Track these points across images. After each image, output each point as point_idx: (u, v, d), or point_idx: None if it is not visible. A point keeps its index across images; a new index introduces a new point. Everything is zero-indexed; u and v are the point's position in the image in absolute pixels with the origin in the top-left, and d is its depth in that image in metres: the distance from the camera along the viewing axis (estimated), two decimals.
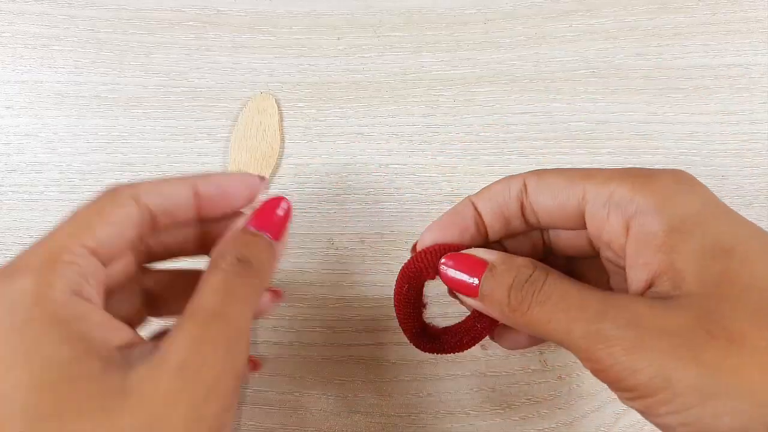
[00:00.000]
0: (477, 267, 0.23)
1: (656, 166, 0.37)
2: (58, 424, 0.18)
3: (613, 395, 0.35)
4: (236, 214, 0.26)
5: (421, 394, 0.34)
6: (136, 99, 0.37)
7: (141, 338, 0.22)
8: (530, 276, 0.22)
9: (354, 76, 0.38)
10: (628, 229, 0.21)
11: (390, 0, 0.38)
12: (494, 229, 0.25)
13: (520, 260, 0.23)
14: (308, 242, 0.36)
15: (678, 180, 0.21)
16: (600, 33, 0.38)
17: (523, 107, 0.37)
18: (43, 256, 0.21)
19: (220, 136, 0.37)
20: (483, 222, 0.25)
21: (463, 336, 0.26)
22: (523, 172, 0.24)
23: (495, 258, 0.23)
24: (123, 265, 0.25)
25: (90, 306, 0.20)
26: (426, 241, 0.25)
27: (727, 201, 0.37)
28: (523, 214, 0.25)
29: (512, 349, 0.29)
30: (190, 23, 0.38)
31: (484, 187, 0.25)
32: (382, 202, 0.36)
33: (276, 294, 0.28)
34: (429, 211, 0.36)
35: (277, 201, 0.25)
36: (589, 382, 0.35)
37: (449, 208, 0.26)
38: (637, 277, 0.21)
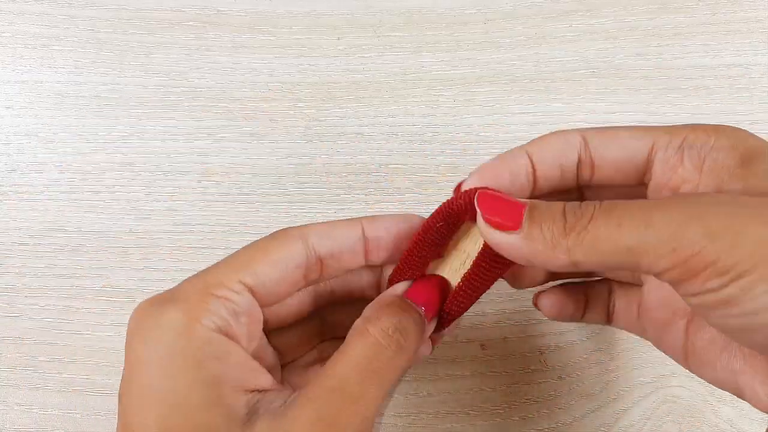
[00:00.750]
0: (516, 206, 0.20)
1: None
2: None
3: (614, 395, 0.35)
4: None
5: (421, 394, 0.34)
6: (136, 99, 0.37)
7: (277, 385, 0.21)
8: (581, 204, 0.20)
9: (354, 76, 0.38)
10: (702, 168, 0.21)
11: (390, 0, 0.38)
12: (546, 180, 0.24)
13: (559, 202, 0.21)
14: None
15: (742, 131, 0.22)
16: (600, 33, 0.38)
17: (523, 107, 0.37)
18: (198, 288, 0.21)
19: (220, 136, 0.37)
20: (534, 172, 0.23)
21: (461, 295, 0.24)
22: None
23: (534, 201, 0.21)
24: (294, 306, 0.24)
25: (232, 346, 0.20)
26: (472, 182, 0.23)
27: None
28: (577, 167, 0.23)
29: (526, 287, 0.27)
30: (190, 23, 0.38)
31: (537, 138, 0.24)
32: (382, 202, 0.36)
33: (429, 344, 0.26)
34: (429, 212, 0.36)
35: (439, 279, 0.24)
36: (590, 382, 0.35)
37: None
38: (707, 183, 0.21)
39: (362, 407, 0.20)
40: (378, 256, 0.24)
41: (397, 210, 0.36)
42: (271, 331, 0.25)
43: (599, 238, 0.19)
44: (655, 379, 0.35)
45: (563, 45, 0.38)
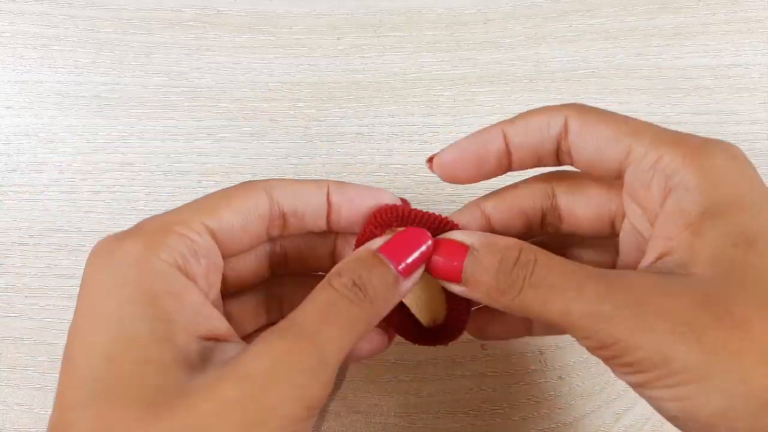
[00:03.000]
0: (458, 251, 0.22)
1: None
2: (110, 407, 0.17)
3: (614, 395, 0.35)
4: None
5: (421, 394, 0.34)
6: (136, 99, 0.37)
7: (233, 335, 0.21)
8: (518, 258, 0.21)
9: (354, 76, 0.38)
10: (665, 199, 0.21)
11: (390, 0, 0.38)
12: (522, 163, 0.24)
13: (504, 241, 0.22)
14: None
15: (730, 157, 0.20)
16: (600, 33, 0.38)
17: (523, 107, 0.37)
18: (159, 224, 0.20)
19: (220, 136, 0.37)
20: (509, 154, 0.23)
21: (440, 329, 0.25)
22: (560, 104, 0.23)
23: (476, 240, 0.22)
24: (252, 263, 0.24)
25: (188, 284, 0.20)
26: (445, 159, 0.24)
27: None
28: (557, 153, 0.23)
29: (505, 338, 0.28)
30: (190, 23, 0.38)
31: (520, 115, 0.23)
32: None
33: (385, 336, 0.25)
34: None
35: (420, 235, 0.23)
36: (590, 382, 0.35)
37: (454, 208, 0.25)
38: (654, 248, 0.20)
39: (318, 347, 0.19)
40: (338, 223, 0.24)
41: None
42: (225, 297, 0.24)
43: (529, 309, 0.20)
44: None
45: (563, 45, 0.38)
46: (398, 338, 0.35)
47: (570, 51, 0.38)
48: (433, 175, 0.37)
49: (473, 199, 0.25)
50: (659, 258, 0.20)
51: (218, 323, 0.20)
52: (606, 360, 0.19)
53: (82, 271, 0.20)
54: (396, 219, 0.23)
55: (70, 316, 0.35)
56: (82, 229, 0.36)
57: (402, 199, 0.24)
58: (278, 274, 0.26)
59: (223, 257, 0.22)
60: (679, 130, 0.37)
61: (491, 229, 0.24)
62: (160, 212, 0.21)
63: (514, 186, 0.24)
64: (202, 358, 0.19)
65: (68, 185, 0.36)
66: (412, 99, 0.37)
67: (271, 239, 0.24)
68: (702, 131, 0.38)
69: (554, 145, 0.23)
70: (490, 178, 0.24)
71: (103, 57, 0.38)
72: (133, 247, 0.20)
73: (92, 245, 0.36)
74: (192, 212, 0.21)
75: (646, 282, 0.19)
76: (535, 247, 0.21)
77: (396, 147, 0.37)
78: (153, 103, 0.37)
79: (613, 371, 0.20)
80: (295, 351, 0.19)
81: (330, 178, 0.24)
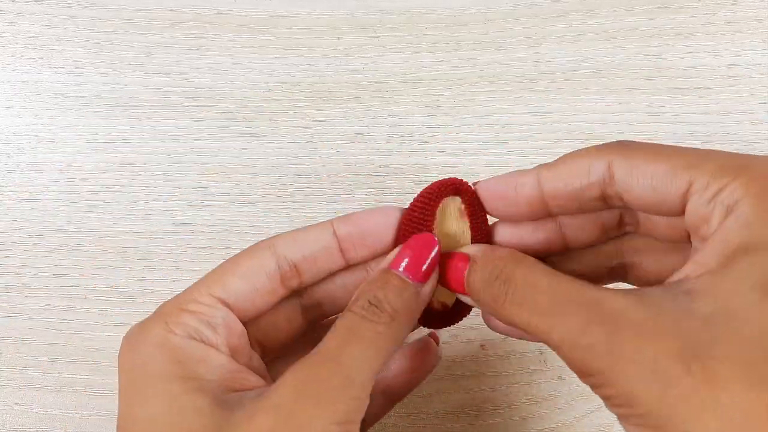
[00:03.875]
0: (462, 263, 0.22)
1: None
2: None
3: None
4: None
5: (421, 394, 0.34)
6: (136, 99, 0.37)
7: (263, 384, 0.21)
8: (500, 272, 0.21)
9: (354, 76, 0.38)
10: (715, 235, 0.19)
11: (390, 0, 0.38)
12: (562, 210, 0.23)
13: (498, 252, 0.22)
14: None
15: None
16: (600, 33, 0.38)
17: (523, 107, 0.37)
18: (173, 305, 0.22)
19: (220, 136, 0.37)
20: (544, 201, 0.22)
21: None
22: (602, 144, 0.22)
23: (476, 251, 0.22)
24: (284, 322, 0.25)
25: (210, 350, 0.21)
26: (483, 190, 0.24)
27: None
28: (603, 198, 0.22)
29: (506, 334, 0.28)
30: (190, 23, 0.38)
31: (560, 159, 0.22)
32: (382, 202, 0.36)
33: (427, 347, 0.26)
34: None
35: (423, 238, 0.23)
36: None
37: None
38: (683, 270, 0.19)
39: (341, 366, 0.20)
40: (356, 253, 0.24)
41: None
42: (273, 360, 0.25)
43: (517, 324, 0.20)
44: None
45: (563, 45, 0.38)
46: None
47: (570, 51, 0.38)
48: (433, 175, 0.37)
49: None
50: (681, 281, 0.19)
51: (251, 378, 0.21)
52: (591, 388, 0.19)
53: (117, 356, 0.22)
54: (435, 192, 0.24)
55: (70, 316, 0.35)
56: (82, 229, 0.36)
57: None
58: (322, 324, 0.26)
59: (245, 320, 0.23)
60: (680, 130, 0.38)
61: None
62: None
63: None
64: (238, 401, 0.20)
65: (68, 185, 0.36)
66: (412, 99, 0.37)
67: (295, 292, 0.24)
68: (702, 131, 0.38)
69: (597, 192, 0.22)
70: (529, 220, 0.23)
71: (103, 57, 0.38)
72: (153, 331, 0.21)
73: (92, 245, 0.36)
74: (201, 287, 0.22)
75: (630, 317, 0.19)
76: (526, 259, 0.21)
77: (396, 147, 0.37)
78: (153, 103, 0.37)
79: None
80: (319, 374, 0.19)
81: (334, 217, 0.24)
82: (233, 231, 0.36)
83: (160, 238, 0.36)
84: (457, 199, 0.25)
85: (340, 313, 0.22)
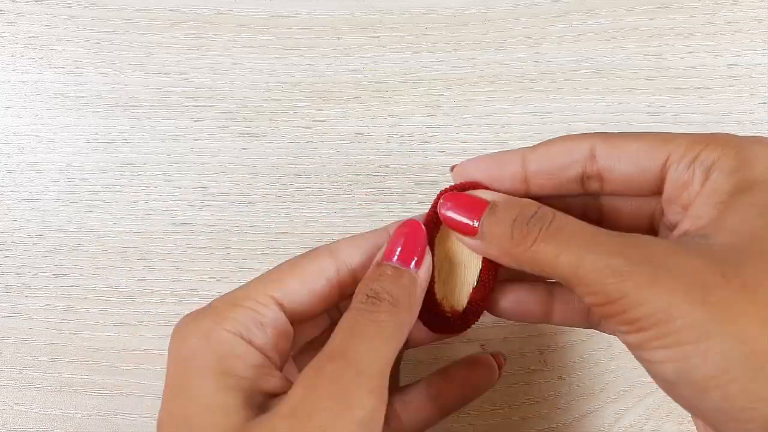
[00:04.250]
0: (477, 207, 0.23)
1: None
2: None
3: (614, 395, 0.35)
4: None
5: None
6: (136, 99, 0.37)
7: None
8: (536, 212, 0.21)
9: (354, 76, 0.38)
10: (702, 188, 0.21)
11: (390, 0, 0.38)
12: (542, 189, 0.24)
13: (525, 200, 0.22)
14: (308, 242, 0.36)
15: (766, 144, 0.21)
16: (600, 33, 0.38)
17: (523, 107, 0.37)
18: (227, 300, 0.22)
19: (220, 136, 0.37)
20: (526, 179, 0.23)
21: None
22: (583, 133, 0.23)
23: (497, 197, 0.23)
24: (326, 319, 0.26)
25: (252, 350, 0.21)
26: (466, 170, 0.25)
27: None
28: (581, 180, 0.23)
29: (515, 316, 0.27)
30: (190, 23, 0.38)
31: (542, 144, 0.23)
32: (382, 202, 0.36)
33: (486, 362, 0.26)
34: None
35: (408, 225, 0.24)
36: (590, 382, 0.35)
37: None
38: (681, 226, 0.21)
39: (350, 362, 0.20)
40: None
41: (397, 209, 0.36)
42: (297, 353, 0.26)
43: (540, 261, 0.20)
44: None
45: (563, 45, 0.38)
46: None
47: (570, 51, 0.38)
48: (433, 175, 0.37)
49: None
50: (683, 235, 0.20)
51: (282, 382, 0.21)
52: (608, 317, 0.19)
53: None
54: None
55: (69, 316, 0.35)
56: (82, 229, 0.36)
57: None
58: None
59: (297, 322, 0.23)
60: (679, 130, 0.37)
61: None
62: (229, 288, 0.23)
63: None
64: (263, 403, 0.21)
65: (68, 185, 0.36)
66: (412, 99, 0.37)
67: (347, 297, 0.24)
68: (702, 131, 0.38)
69: (578, 172, 0.23)
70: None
71: (103, 57, 0.38)
72: (202, 323, 0.21)
73: (92, 245, 0.36)
74: (259, 286, 0.22)
75: (661, 243, 0.19)
76: (555, 210, 0.22)
77: (396, 147, 0.37)
78: (153, 103, 0.37)
79: (612, 331, 0.20)
80: (329, 373, 0.19)
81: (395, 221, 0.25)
82: (233, 231, 0.36)
83: (160, 238, 0.36)
84: None
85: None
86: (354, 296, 0.22)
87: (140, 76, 0.37)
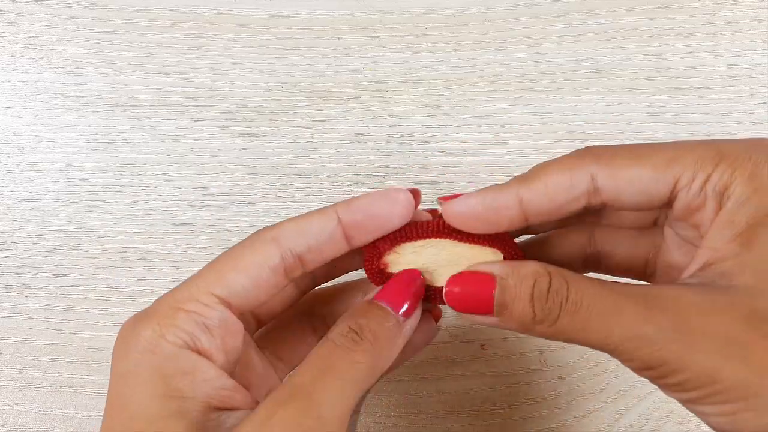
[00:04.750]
0: (485, 283, 0.21)
1: None
2: None
3: (614, 395, 0.35)
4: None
5: (421, 394, 0.34)
6: (136, 99, 0.37)
7: (247, 403, 0.21)
8: (549, 284, 0.20)
9: (354, 76, 0.38)
10: (716, 217, 0.20)
11: (390, 0, 0.38)
12: (542, 226, 0.23)
13: (528, 267, 0.21)
14: None
15: None
16: (600, 33, 0.38)
17: (523, 107, 0.37)
18: (168, 303, 0.21)
19: (220, 136, 0.37)
20: (525, 218, 0.22)
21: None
22: (574, 154, 0.21)
23: (499, 269, 0.21)
24: (277, 298, 0.24)
25: (200, 361, 0.20)
26: (455, 211, 0.22)
27: None
28: (587, 207, 0.22)
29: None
30: (190, 23, 0.38)
31: (535, 173, 0.22)
32: None
33: (432, 322, 0.25)
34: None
35: (411, 273, 0.23)
36: (590, 382, 0.35)
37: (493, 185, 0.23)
38: (698, 259, 0.20)
39: (315, 405, 0.19)
40: (360, 239, 0.23)
41: None
42: (263, 334, 0.25)
43: (567, 335, 0.20)
44: None
45: (563, 45, 0.38)
46: None
47: (570, 51, 0.38)
48: (433, 175, 0.37)
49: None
50: (702, 269, 0.20)
51: (236, 396, 0.21)
52: (652, 380, 0.19)
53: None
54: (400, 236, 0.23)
55: (69, 316, 0.35)
56: (82, 229, 0.36)
57: (413, 191, 0.24)
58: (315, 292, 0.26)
59: (244, 314, 0.22)
60: (680, 130, 0.38)
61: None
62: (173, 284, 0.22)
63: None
64: (217, 425, 0.19)
65: (68, 185, 0.36)
66: (412, 99, 0.37)
67: (294, 280, 0.24)
68: (702, 131, 0.38)
69: (582, 204, 0.21)
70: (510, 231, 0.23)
71: (103, 57, 0.38)
72: (144, 332, 0.20)
73: (92, 245, 0.36)
74: (201, 284, 0.21)
75: (687, 299, 0.19)
76: (563, 269, 0.20)
77: (396, 147, 0.37)
78: (153, 103, 0.37)
79: (662, 389, 0.20)
80: (290, 414, 0.18)
81: (338, 202, 0.24)
82: (233, 231, 0.36)
83: (160, 238, 0.36)
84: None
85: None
86: (334, 326, 0.21)
87: (140, 76, 0.37)
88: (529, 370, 0.35)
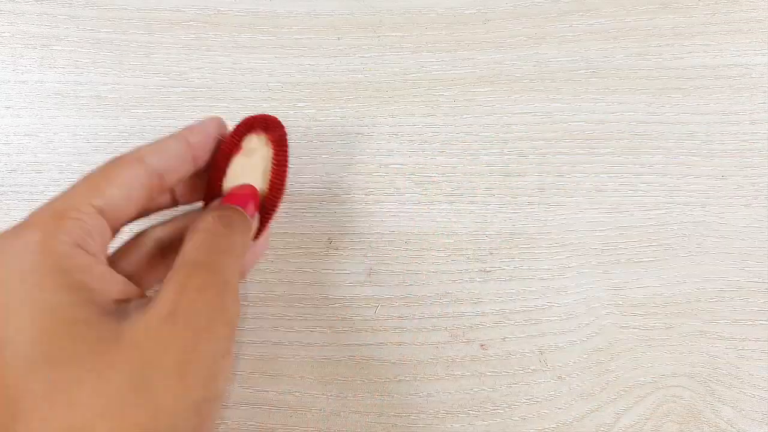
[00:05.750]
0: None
1: (656, 166, 0.37)
2: (56, 369, 0.18)
3: (614, 395, 0.35)
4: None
5: (421, 394, 0.34)
6: (136, 99, 0.37)
7: (142, 293, 0.22)
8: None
9: (354, 76, 0.38)
10: None
11: (390, 0, 0.38)
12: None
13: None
14: (308, 242, 0.36)
15: None
16: (600, 33, 0.38)
17: (523, 107, 0.37)
18: (51, 212, 0.22)
19: None
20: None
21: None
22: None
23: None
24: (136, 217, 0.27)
25: (92, 259, 0.21)
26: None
27: (726, 201, 0.38)
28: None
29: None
30: (190, 23, 0.38)
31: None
32: (382, 202, 0.36)
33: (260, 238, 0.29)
34: (429, 211, 0.36)
35: (243, 189, 0.28)
36: (590, 382, 0.35)
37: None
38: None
39: (218, 274, 0.22)
40: (203, 160, 0.27)
41: (396, 209, 0.36)
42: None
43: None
44: (655, 379, 0.35)
45: (563, 45, 0.38)
46: (398, 338, 0.35)
47: (570, 51, 0.38)
48: (433, 175, 0.37)
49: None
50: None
51: (126, 287, 0.22)
52: None
53: None
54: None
55: None
56: None
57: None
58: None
59: (114, 228, 0.24)
60: (680, 130, 0.38)
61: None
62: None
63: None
64: (125, 312, 0.21)
65: (68, 185, 0.36)
66: (412, 99, 0.37)
67: (153, 198, 0.26)
68: (702, 131, 0.38)
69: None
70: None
71: (103, 57, 0.38)
72: (32, 237, 0.21)
73: None
74: (79, 195, 0.22)
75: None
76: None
77: (396, 147, 0.37)
78: (153, 103, 0.37)
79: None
80: (200, 280, 0.21)
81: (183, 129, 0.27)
82: None
83: None
84: (263, 136, 0.30)
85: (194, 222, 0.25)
86: (204, 218, 0.24)
87: (140, 76, 0.37)
88: (529, 370, 0.35)
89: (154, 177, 0.24)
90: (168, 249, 0.28)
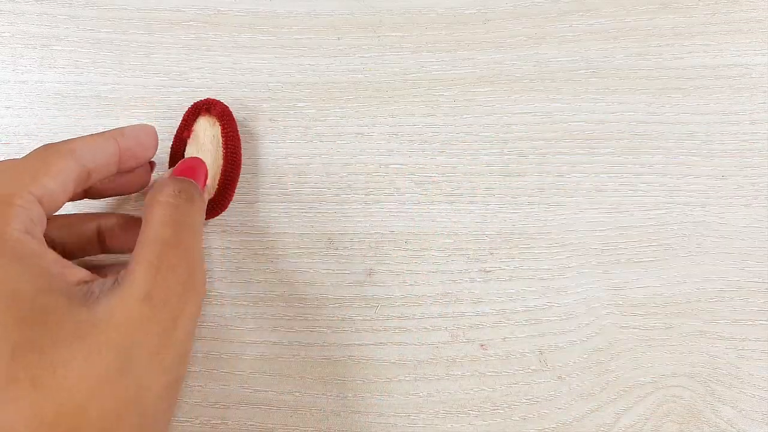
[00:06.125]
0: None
1: (656, 166, 0.37)
2: (39, 356, 0.19)
3: (614, 395, 0.35)
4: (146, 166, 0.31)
5: (421, 394, 0.34)
6: (136, 99, 0.37)
7: (95, 275, 0.23)
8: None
9: (354, 76, 0.38)
10: None
11: (390, 0, 0.38)
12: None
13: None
14: (308, 242, 0.36)
15: None
16: (600, 33, 0.38)
17: (523, 107, 0.37)
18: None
19: None
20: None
21: None
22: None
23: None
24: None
25: (43, 245, 0.22)
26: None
27: (726, 201, 0.38)
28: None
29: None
30: (190, 23, 0.38)
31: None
32: (382, 202, 0.36)
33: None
34: (429, 211, 0.36)
35: (191, 160, 0.29)
36: (590, 382, 0.35)
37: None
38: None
39: (188, 249, 0.23)
40: (129, 164, 0.28)
41: (396, 209, 0.36)
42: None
43: None
44: (655, 379, 0.35)
45: (563, 45, 0.38)
46: (399, 338, 0.35)
47: (570, 51, 0.38)
48: (433, 175, 0.37)
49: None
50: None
51: (80, 272, 0.22)
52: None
53: None
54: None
55: None
56: None
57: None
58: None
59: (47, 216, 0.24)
60: (679, 130, 0.38)
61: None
62: None
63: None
64: (88, 293, 0.21)
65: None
66: (412, 99, 0.37)
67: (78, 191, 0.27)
68: (702, 131, 0.38)
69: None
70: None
71: (103, 57, 0.38)
72: None
73: None
74: (17, 183, 0.23)
75: None
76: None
77: (396, 147, 0.37)
78: (153, 103, 0.37)
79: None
80: (173, 260, 0.22)
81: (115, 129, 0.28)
82: (233, 231, 0.36)
83: None
84: (211, 118, 0.33)
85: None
86: (156, 193, 0.25)
87: (140, 76, 0.37)
88: (529, 370, 0.35)
89: (84, 172, 0.25)
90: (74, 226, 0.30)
